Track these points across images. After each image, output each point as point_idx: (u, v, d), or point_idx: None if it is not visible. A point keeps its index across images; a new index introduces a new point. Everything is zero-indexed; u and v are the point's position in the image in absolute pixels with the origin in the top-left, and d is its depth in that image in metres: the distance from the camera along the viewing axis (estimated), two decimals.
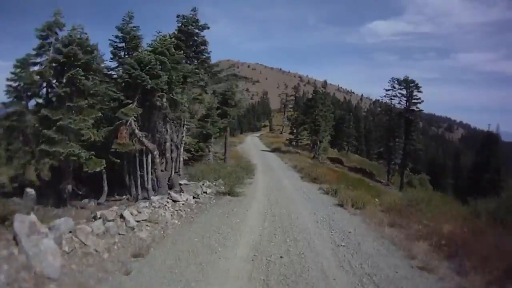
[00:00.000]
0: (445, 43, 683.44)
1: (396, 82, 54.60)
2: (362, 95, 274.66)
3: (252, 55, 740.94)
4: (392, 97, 55.01)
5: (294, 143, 65.12)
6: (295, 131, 67.35)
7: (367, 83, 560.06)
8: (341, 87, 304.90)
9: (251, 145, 63.98)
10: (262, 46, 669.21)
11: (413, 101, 53.85)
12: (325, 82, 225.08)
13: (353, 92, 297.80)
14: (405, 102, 54.27)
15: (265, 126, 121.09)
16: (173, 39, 24.31)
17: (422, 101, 53.80)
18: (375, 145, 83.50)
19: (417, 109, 54.50)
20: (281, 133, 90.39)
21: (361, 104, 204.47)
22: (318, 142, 50.46)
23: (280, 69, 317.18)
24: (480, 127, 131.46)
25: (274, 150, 53.01)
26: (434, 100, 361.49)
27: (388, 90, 55.05)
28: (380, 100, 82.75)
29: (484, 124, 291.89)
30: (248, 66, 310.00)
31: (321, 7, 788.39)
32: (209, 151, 35.16)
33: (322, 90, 67.26)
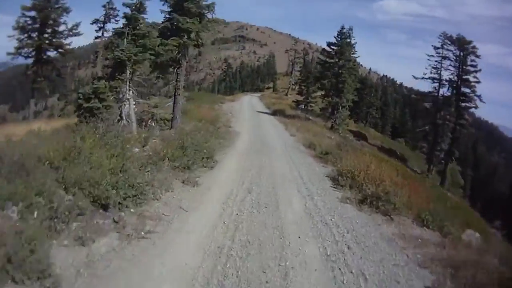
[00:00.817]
0: (457, 30, 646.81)
1: (447, 39, 38.69)
2: (370, 69, 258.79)
3: (261, 20, 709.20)
4: (442, 59, 38.67)
5: (302, 106, 48.53)
6: (305, 90, 50.73)
7: (375, 58, 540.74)
8: None
9: (247, 104, 47.45)
10: (273, 11, 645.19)
11: (468, 68, 37.77)
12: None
13: (361, 65, 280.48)
14: (457, 68, 38.31)
15: (269, 88, 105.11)
16: None
17: (479, 69, 37.60)
18: (389, 121, 72.36)
19: (474, 80, 37.74)
20: (286, 95, 73.53)
21: (369, 78, 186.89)
22: (340, 107, 33.63)
23: (289, 34, 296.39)
24: (484, 118, 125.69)
25: (275, 113, 36.66)
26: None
27: (437, 48, 39.01)
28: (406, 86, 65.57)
29: (487, 114, 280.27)
30: (257, 29, 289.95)
31: None
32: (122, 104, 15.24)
33: None
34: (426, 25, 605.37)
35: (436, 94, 39.86)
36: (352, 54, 34.82)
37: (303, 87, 53.96)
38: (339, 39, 34.59)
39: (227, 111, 33.36)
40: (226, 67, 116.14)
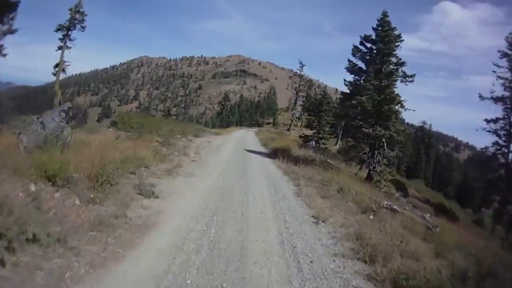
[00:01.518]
0: (457, 64, 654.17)
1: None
2: None
3: (263, 55, 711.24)
4: None
5: (313, 143, 34.75)
6: (316, 122, 37.15)
7: None
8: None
9: (235, 140, 32.87)
10: (275, 47, 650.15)
11: None
12: (337, 90, 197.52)
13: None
14: None
15: (269, 123, 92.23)
16: None
17: None
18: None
19: None
20: (288, 130, 59.76)
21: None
22: (384, 145, 19.78)
23: (291, 70, 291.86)
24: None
25: (275, 154, 22.75)
26: (441, 118, 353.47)
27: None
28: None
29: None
30: (259, 64, 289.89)
31: (337, 15, 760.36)
32: None
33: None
34: (427, 61, 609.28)
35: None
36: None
37: (312, 118, 40.23)
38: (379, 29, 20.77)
39: (194, 148, 19.81)
40: (223, 100, 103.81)
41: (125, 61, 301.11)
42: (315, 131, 39.31)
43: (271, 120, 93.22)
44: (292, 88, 69.98)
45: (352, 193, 12.32)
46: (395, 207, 11.61)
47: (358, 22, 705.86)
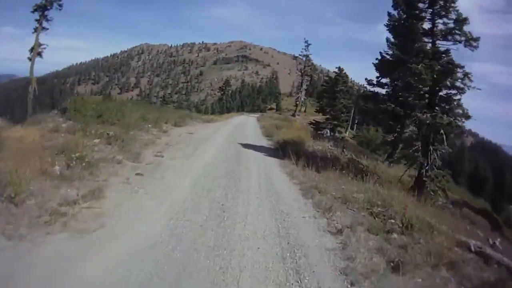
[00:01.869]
0: (460, 50, 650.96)
1: None
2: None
3: (265, 41, 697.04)
4: None
5: (328, 131, 28.32)
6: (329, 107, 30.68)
7: None
8: (351, 80, 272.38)
9: (231, 128, 26.58)
10: (277, 35, 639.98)
11: None
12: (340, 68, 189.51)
13: (366, 87, 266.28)
14: None
15: (271, 108, 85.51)
16: None
17: None
18: None
19: None
20: (293, 115, 53.15)
21: None
22: (436, 153, 13.55)
23: (293, 55, 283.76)
24: (488, 138, 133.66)
25: (283, 149, 15.78)
26: None
27: None
28: None
29: (492, 135, 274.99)
30: (261, 49, 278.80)
31: (340, 2, 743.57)
32: None
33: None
34: None
35: None
36: None
37: (325, 101, 33.54)
38: None
39: (161, 144, 13.41)
40: (224, 86, 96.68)
41: (125, 49, 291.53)
42: (328, 116, 32.63)
43: (273, 106, 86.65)
44: (297, 70, 63.04)
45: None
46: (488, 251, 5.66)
47: (360, 10, 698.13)
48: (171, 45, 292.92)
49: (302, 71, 59.32)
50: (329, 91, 34.91)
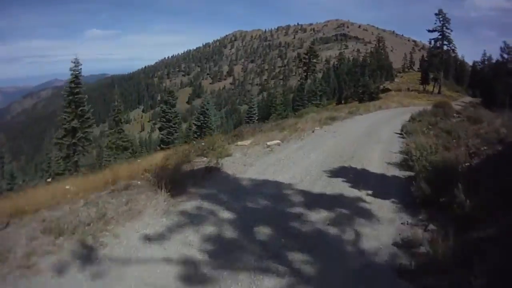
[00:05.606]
0: None
1: None
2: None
3: (362, 20, 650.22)
4: None
5: None
6: None
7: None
8: None
9: None
10: (374, 15, 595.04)
11: None
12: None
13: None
14: None
15: (386, 90, 57.15)
16: None
17: None
18: None
19: None
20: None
21: None
22: None
23: (393, 31, 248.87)
24: None
25: None
26: None
27: None
28: None
29: None
30: (359, 27, 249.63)
31: None
32: None
33: None
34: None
35: None
36: None
37: None
38: None
39: None
40: (306, 59, 62.90)
41: (218, 38, 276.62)
42: None
43: (388, 85, 58.10)
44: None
45: None
46: None
47: None
48: (265, 29, 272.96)
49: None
50: None
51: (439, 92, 53.36)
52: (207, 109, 39.92)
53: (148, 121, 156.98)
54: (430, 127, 12.53)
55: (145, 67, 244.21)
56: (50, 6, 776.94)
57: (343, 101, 61.21)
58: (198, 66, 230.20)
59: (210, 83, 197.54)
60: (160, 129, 36.91)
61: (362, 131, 14.44)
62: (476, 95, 56.52)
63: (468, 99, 49.52)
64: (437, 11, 52.37)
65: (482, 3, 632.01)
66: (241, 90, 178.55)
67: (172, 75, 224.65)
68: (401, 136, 12.67)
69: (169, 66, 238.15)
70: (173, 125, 35.42)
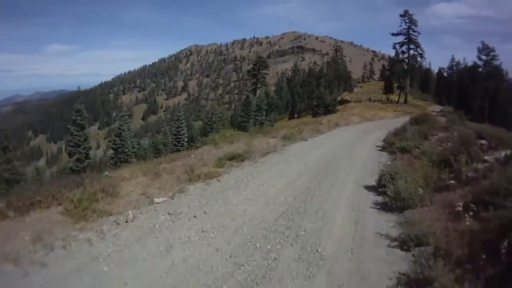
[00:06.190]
0: (508, 28, 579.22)
1: None
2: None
3: (319, 33, 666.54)
4: None
5: None
6: None
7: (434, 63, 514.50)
8: None
9: None
10: (332, 26, 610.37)
11: None
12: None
13: None
14: None
15: (345, 101, 49.95)
16: None
17: None
18: None
19: None
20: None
21: None
22: None
23: (352, 42, 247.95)
24: None
25: None
26: None
27: None
28: None
29: None
30: (316, 38, 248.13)
31: None
32: None
33: None
34: (479, 27, 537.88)
35: None
36: None
37: None
38: None
39: None
40: (255, 70, 57.11)
41: (174, 53, 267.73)
42: None
43: (347, 96, 50.48)
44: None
45: None
46: None
47: None
48: (221, 43, 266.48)
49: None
50: None
51: (405, 102, 46.61)
52: (123, 131, 31.29)
53: (104, 138, 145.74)
54: None
55: (101, 83, 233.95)
56: (12, 18, 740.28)
57: (296, 115, 55.01)
58: (154, 82, 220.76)
59: (165, 99, 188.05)
60: (69, 155, 29.48)
61: (280, 212, 5.95)
62: (444, 103, 52.69)
63: (437, 107, 43.72)
64: (402, 12, 45.67)
65: (447, 11, 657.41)
66: (196, 105, 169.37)
67: (128, 91, 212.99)
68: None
69: (125, 82, 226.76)
70: (82, 150, 27.61)
